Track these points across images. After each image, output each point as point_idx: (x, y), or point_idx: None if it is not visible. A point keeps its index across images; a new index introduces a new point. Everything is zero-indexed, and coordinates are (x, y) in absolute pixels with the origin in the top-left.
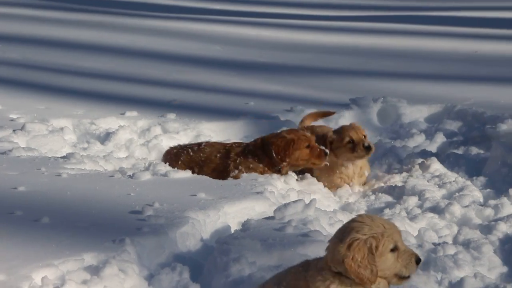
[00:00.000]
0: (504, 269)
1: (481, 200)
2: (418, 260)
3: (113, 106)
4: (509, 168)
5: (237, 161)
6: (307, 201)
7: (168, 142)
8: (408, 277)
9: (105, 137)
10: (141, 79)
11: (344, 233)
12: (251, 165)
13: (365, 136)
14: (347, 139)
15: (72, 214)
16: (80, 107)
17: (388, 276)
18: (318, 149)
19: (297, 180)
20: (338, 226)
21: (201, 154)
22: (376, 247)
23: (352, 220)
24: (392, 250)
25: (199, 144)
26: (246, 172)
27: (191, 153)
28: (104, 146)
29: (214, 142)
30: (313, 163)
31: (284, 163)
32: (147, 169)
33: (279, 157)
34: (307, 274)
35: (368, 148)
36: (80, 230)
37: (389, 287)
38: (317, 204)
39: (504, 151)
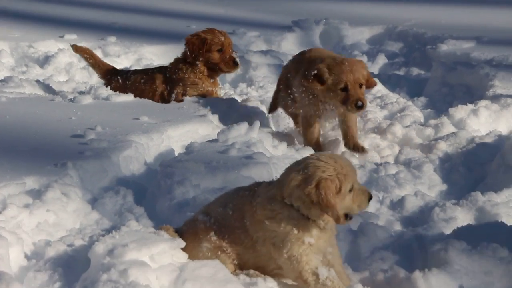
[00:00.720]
0: (444, 187)
1: (422, 120)
2: (370, 198)
3: (52, 29)
4: (449, 88)
5: (174, 81)
6: (250, 124)
7: None
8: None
9: (44, 61)
10: (80, 1)
11: (308, 172)
12: (183, 82)
13: (361, 85)
14: (341, 85)
15: (12, 138)
16: (17, 30)
17: (340, 216)
18: (229, 56)
19: (240, 103)
20: (281, 148)
21: (127, 82)
22: (340, 188)
23: (316, 158)
24: (350, 190)
25: (127, 72)
26: (184, 91)
27: (120, 81)
28: (43, 69)
29: (144, 69)
30: (220, 69)
31: (198, 62)
32: (88, 92)
33: (193, 55)
34: (254, 200)
35: (360, 107)
36: (21, 154)
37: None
38: (260, 127)
39: (444, 71)
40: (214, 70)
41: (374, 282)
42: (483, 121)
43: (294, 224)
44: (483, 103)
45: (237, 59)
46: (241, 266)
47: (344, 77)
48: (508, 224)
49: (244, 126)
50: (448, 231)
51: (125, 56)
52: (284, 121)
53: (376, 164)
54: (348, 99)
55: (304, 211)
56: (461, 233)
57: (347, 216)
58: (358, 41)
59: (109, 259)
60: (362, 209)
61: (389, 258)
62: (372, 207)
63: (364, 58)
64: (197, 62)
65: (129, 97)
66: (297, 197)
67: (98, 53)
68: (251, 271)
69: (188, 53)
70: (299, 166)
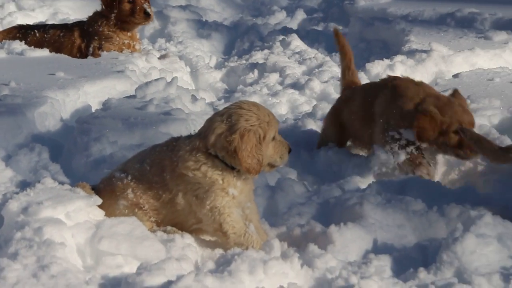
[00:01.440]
0: None
1: (340, 75)
2: (289, 150)
3: None
4: (367, 43)
5: (90, 35)
6: (168, 80)
7: (23, 20)
8: (278, 166)
9: None
10: None
11: (231, 120)
12: (98, 36)
13: None
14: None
15: None
16: None
17: (263, 165)
18: (139, 7)
19: (158, 58)
20: (200, 104)
21: (45, 36)
22: (264, 137)
23: (238, 107)
24: (273, 138)
25: (45, 25)
26: (100, 44)
27: (38, 35)
28: None
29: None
30: (132, 20)
31: (112, 15)
32: (1, 47)
33: (108, 8)
34: (173, 154)
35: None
36: None
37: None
38: (179, 82)
39: (362, 26)
40: (127, 22)
41: (291, 237)
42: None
43: (219, 175)
44: (399, 58)
45: (149, 10)
46: (159, 223)
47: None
48: (421, 178)
49: (162, 82)
50: (363, 185)
51: (40, 10)
52: (203, 77)
53: (295, 119)
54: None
55: (228, 160)
56: (376, 188)
57: (272, 165)
58: None
59: (23, 217)
60: (284, 161)
61: (306, 213)
62: (289, 163)
63: (283, 14)
64: (112, 15)
65: (44, 52)
66: (221, 146)
67: (12, 6)
68: (169, 228)
69: (103, 6)
70: (223, 116)
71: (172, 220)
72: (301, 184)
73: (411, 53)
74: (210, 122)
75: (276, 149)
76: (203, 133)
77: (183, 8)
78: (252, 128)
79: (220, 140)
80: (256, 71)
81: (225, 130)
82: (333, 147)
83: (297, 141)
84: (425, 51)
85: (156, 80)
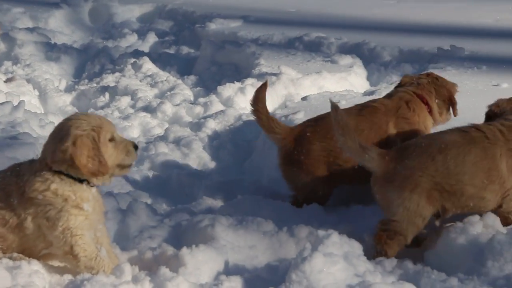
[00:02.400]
0: (212, 164)
1: (192, 98)
2: (136, 146)
3: None
4: (218, 67)
5: None
6: (15, 103)
7: None
8: (130, 165)
9: None
10: None
11: (62, 131)
12: None
13: None
14: None
15: None
16: None
17: (111, 168)
18: None
19: (5, 82)
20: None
21: None
22: (99, 139)
23: (67, 119)
24: (110, 140)
25: None
26: None
27: None
28: None
29: None
30: None
31: None
32: None
33: None
34: (19, 179)
35: None
36: None
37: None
38: (26, 106)
39: (213, 49)
40: None
41: (142, 261)
42: (250, 99)
43: (70, 191)
44: (249, 81)
45: None
46: (4, 250)
47: None
48: (273, 200)
49: (8, 105)
50: (215, 207)
51: None
52: (52, 100)
53: (147, 142)
54: None
55: (72, 172)
56: (228, 209)
57: (122, 166)
58: (128, 19)
59: None
60: (132, 158)
61: (158, 236)
62: (142, 186)
63: (135, 36)
64: None
65: None
66: (60, 159)
67: None
68: (15, 254)
69: None
70: (55, 132)
71: (20, 246)
72: (153, 207)
73: (261, 76)
74: (47, 140)
75: (119, 149)
76: (43, 152)
77: (30, 30)
78: (84, 133)
79: (57, 154)
80: (107, 94)
81: (58, 142)
82: (185, 169)
83: (150, 164)
84: (274, 74)
85: (2, 103)
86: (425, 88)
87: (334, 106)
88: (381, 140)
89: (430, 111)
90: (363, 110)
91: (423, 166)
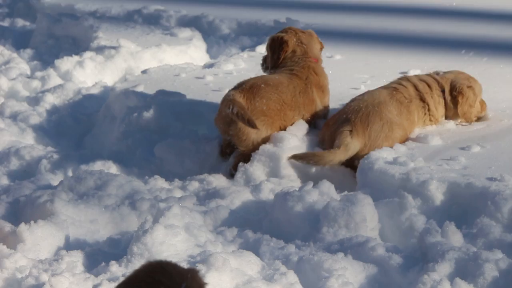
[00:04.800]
0: (52, 139)
1: (28, 72)
2: None
3: None
4: (55, 40)
5: None
6: None
7: None
8: None
9: None
10: None
11: None
12: None
13: None
14: None
15: None
16: None
17: None
18: None
19: None
20: None
21: None
22: None
23: None
24: None
25: None
26: None
27: None
28: None
29: None
30: None
31: None
32: None
33: None
34: None
35: None
36: None
37: None
38: None
39: (50, 22)
40: None
41: None
42: (89, 73)
43: None
44: (88, 54)
45: None
46: None
47: None
48: (114, 174)
49: None
50: (55, 182)
51: None
52: None
53: None
54: None
55: None
56: (68, 184)
57: None
58: None
59: None
60: None
61: None
62: None
63: None
64: None
65: None
66: None
67: None
68: None
69: None
70: None
71: None
72: None
73: (100, 50)
74: None
75: None
76: None
77: None
78: None
79: None
80: None
81: None
82: (22, 145)
83: None
84: (114, 47)
85: None
86: None
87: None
88: None
89: None
90: None
91: None
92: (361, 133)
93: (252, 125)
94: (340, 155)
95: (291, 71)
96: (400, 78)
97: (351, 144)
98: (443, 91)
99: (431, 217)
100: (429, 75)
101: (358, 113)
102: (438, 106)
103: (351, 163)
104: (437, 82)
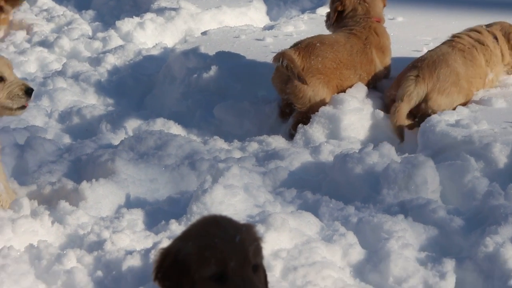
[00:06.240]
0: (113, 99)
1: (90, 33)
2: (29, 90)
3: None
4: (116, 1)
5: None
6: None
7: None
8: (20, 108)
9: None
10: None
11: None
12: None
13: None
14: None
15: None
16: None
17: None
18: None
19: None
20: None
21: None
22: None
23: None
24: (2, 80)
25: None
26: None
27: None
28: None
29: None
30: None
31: None
32: None
33: None
34: None
35: None
36: None
37: None
38: None
39: None
40: None
41: (42, 195)
42: (150, 34)
43: None
44: (148, 16)
45: None
46: None
47: None
48: (174, 134)
49: None
50: (116, 141)
51: None
52: None
53: (44, 77)
54: None
55: None
56: (129, 143)
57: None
58: None
59: None
60: (19, 103)
61: (57, 171)
62: (40, 121)
63: None
64: None
65: None
66: None
67: None
68: None
69: None
70: None
71: None
72: (52, 142)
73: (160, 11)
74: None
75: (5, 91)
76: None
77: None
78: None
79: None
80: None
81: None
82: (84, 104)
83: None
84: (174, 9)
85: None
86: None
87: None
88: None
89: None
90: None
91: None
92: (428, 76)
93: (302, 80)
94: (404, 107)
95: (351, 31)
96: (450, 37)
97: (414, 93)
98: (495, 38)
99: (494, 180)
100: (473, 28)
101: (425, 60)
102: (495, 51)
103: (418, 108)
104: (487, 31)
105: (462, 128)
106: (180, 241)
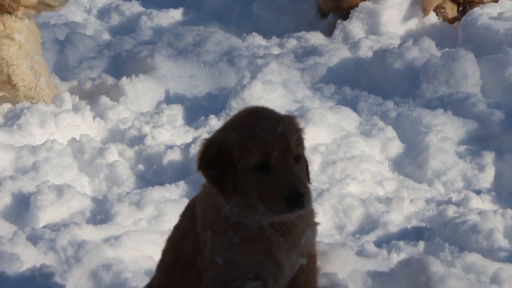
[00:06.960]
0: None
1: None
2: None
3: None
4: None
5: None
6: None
7: None
8: (57, 5)
9: None
10: None
11: None
12: None
13: None
14: None
15: None
16: None
17: (34, 4)
18: None
19: None
20: None
21: None
22: None
23: None
24: None
25: None
26: None
27: None
28: None
29: None
30: None
31: None
32: None
33: None
34: None
35: None
36: None
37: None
38: None
39: None
40: None
41: (82, 90)
42: None
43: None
44: None
45: None
46: None
47: None
48: (212, 31)
49: None
50: (155, 38)
51: None
52: None
53: None
54: None
55: None
56: (167, 40)
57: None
58: None
59: None
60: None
61: (98, 67)
62: (79, 17)
63: None
64: None
65: None
66: None
67: None
68: None
69: None
70: None
71: None
72: (91, 38)
73: None
74: None
75: None
76: None
77: None
78: None
79: None
80: None
81: None
82: (127, 2)
83: None
84: None
85: None
86: None
87: None
88: None
89: None
90: None
91: None
92: None
93: None
94: None
95: None
96: None
97: None
98: None
99: None
100: None
101: None
102: None
103: None
104: None
105: (504, 21)
106: (223, 131)
